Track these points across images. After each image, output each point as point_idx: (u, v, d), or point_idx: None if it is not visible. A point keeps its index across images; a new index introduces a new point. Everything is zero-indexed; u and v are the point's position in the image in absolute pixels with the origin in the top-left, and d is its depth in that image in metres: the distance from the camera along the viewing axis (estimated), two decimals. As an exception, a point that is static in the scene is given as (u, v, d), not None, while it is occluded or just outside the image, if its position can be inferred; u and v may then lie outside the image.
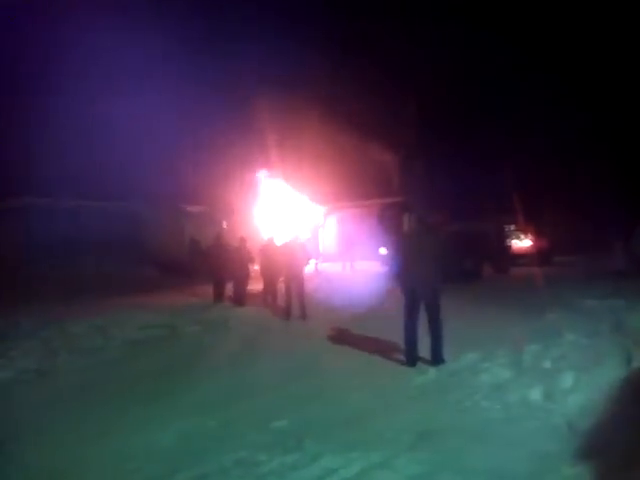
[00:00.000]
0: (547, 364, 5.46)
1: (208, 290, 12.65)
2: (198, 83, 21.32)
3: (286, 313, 10.05)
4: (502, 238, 18.67)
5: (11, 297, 11.86)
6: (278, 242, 11.73)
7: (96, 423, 4.66)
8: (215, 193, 19.85)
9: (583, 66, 22.88)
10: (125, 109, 17.74)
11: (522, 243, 19.17)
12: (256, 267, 12.84)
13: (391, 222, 19.67)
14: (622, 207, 18.56)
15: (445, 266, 6.28)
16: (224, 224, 20.30)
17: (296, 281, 10.10)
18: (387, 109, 23.14)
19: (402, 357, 6.17)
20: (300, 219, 23.29)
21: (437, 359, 5.90)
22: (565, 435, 3.86)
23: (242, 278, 12.03)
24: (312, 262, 18.43)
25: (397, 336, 6.37)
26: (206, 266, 13.24)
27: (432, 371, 5.70)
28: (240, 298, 11.87)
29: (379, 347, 6.88)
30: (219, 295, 12.21)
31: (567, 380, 4.89)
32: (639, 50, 21.54)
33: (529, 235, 19.10)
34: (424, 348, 6.05)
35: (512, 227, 19.28)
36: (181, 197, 20.02)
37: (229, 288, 12.30)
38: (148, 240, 18.81)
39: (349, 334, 8.00)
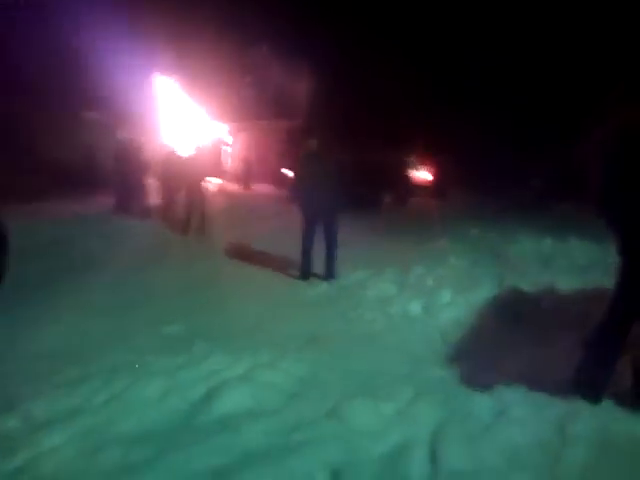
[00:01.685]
0: (429, 283, 5.88)
1: (104, 201, 12.02)
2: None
3: (185, 227, 9.86)
4: (402, 169, 19.29)
5: None
6: (179, 154, 11.26)
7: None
8: (112, 100, 18.42)
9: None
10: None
11: (421, 176, 19.98)
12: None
13: (295, 145, 19.57)
14: (523, 151, 19.82)
15: (345, 193, 6.41)
16: (120, 132, 19.04)
17: (197, 195, 9.86)
18: (298, 35, 22.33)
19: (297, 272, 6.34)
20: (203, 133, 22.45)
21: (329, 275, 6.15)
22: (438, 343, 4.23)
23: (141, 189, 11.56)
24: (215, 178, 18.05)
25: (294, 253, 6.52)
26: (110, 174, 12.49)
27: (324, 285, 5.94)
28: (141, 209, 11.44)
29: (275, 262, 7.02)
30: (119, 205, 11.68)
31: (445, 297, 5.31)
32: None
33: (429, 168, 19.91)
34: (319, 266, 6.26)
35: (412, 160, 19.96)
36: (75, 102, 18.37)
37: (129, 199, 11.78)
38: (39, 146, 17.25)
39: (247, 250, 8.05)
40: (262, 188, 19.37)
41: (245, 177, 19.87)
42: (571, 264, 6.90)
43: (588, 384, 3.06)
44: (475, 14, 23.13)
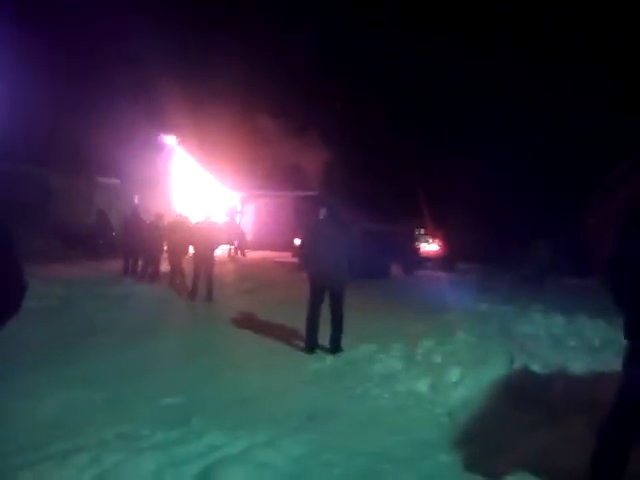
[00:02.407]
0: (437, 359, 5.73)
1: (114, 265, 12.11)
2: (110, 56, 20.12)
3: (192, 294, 9.84)
4: (411, 240, 19.37)
5: None
6: (190, 221, 11.43)
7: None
8: (128, 166, 18.98)
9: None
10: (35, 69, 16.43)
11: (429, 247, 20.02)
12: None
13: (306, 214, 19.85)
14: (526, 217, 19.94)
15: (354, 263, 6.41)
16: (136, 198, 19.45)
17: (206, 262, 9.91)
18: (311, 107, 23.29)
19: (302, 344, 6.23)
20: (215, 201, 22.92)
21: (335, 348, 6.03)
22: (445, 425, 4.07)
23: (155, 255, 11.68)
24: (225, 246, 18.21)
25: (299, 324, 6.44)
26: (119, 240, 12.67)
27: (329, 359, 5.80)
28: (152, 275, 11.51)
29: (281, 333, 6.91)
30: (127, 270, 11.77)
31: (453, 375, 5.15)
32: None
33: (436, 240, 19.98)
34: (324, 337, 6.15)
35: (421, 230, 20.08)
36: (92, 167, 18.94)
37: (139, 265, 11.88)
38: (54, 210, 17.62)
39: (253, 318, 7.97)
40: (274, 256, 19.49)
41: (239, 246, 20.03)
42: (582, 344, 6.74)
43: (601, 475, 2.90)
44: (485, 78, 23.96)
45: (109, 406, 4.11)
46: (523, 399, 4.47)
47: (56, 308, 8.01)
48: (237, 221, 24.20)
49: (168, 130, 22.66)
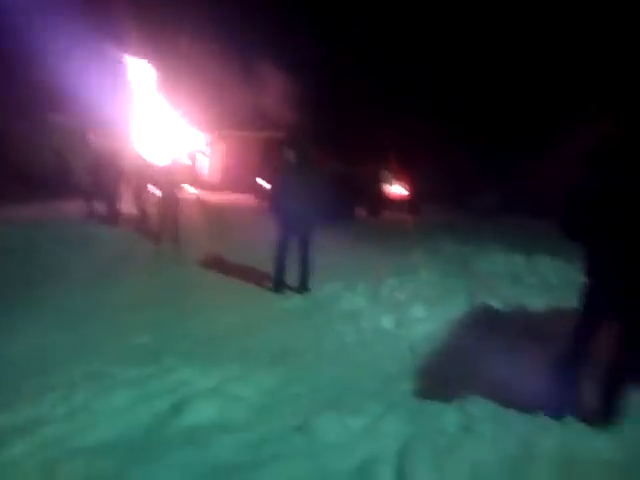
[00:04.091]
0: (401, 297, 5.92)
1: (75, 206, 11.83)
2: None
3: (157, 236, 9.73)
4: (377, 183, 19.42)
5: None
6: (154, 162, 11.14)
7: None
8: (82, 102, 18.11)
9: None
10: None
11: (395, 189, 20.17)
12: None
13: (273, 156, 19.59)
14: (487, 160, 20.24)
15: (320, 205, 6.42)
16: (93, 136, 18.73)
17: (171, 204, 9.76)
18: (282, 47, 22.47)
19: (271, 284, 6.31)
20: (179, 141, 22.28)
21: (303, 287, 6.14)
22: (408, 358, 4.26)
23: (115, 195, 11.44)
24: (190, 187, 17.91)
25: (267, 264, 6.49)
26: (82, 181, 12.29)
27: (297, 298, 5.92)
28: (113, 216, 11.29)
29: (248, 273, 6.97)
30: (91, 212, 11.53)
31: (417, 311, 5.35)
32: None
33: (402, 182, 20.11)
34: (292, 278, 6.24)
35: (387, 173, 20.13)
36: (45, 105, 18.01)
37: (103, 206, 11.63)
38: (8, 152, 16.85)
39: (220, 260, 7.98)
40: (240, 198, 19.31)
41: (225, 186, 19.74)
42: (541, 282, 7.03)
43: (555, 402, 3.12)
44: (453, 34, 23.60)
45: (78, 346, 4.12)
46: (483, 333, 4.69)
47: (20, 250, 7.84)
48: (203, 162, 23.75)
49: (129, 65, 21.62)
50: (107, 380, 3.38)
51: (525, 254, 8.61)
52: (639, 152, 2.94)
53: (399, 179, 20.27)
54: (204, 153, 25.49)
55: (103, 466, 2.52)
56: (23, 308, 5.04)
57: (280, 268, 6.20)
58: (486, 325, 5.01)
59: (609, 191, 2.90)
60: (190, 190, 18.31)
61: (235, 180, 23.29)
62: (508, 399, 3.21)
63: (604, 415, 3.07)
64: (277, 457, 2.60)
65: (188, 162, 20.54)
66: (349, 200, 16.04)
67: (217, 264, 7.67)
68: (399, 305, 5.58)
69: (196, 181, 19.31)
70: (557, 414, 3.04)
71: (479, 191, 19.49)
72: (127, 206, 12.06)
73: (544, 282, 6.98)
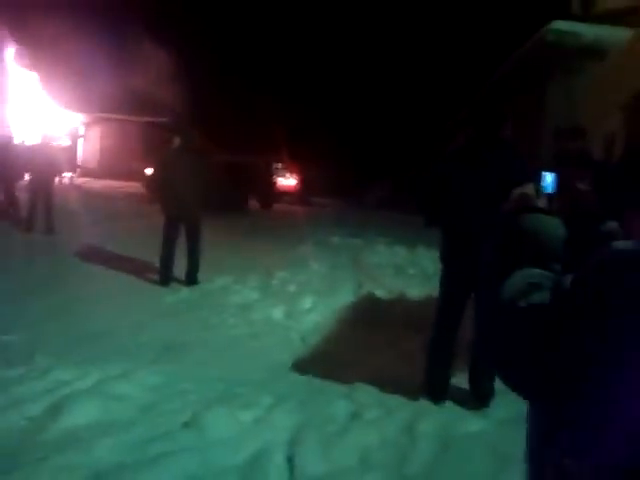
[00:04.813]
0: (291, 288, 5.98)
1: None
2: None
3: (28, 225, 8.94)
4: (268, 174, 19.40)
5: None
6: (23, 142, 10.21)
7: None
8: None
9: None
10: None
11: (286, 181, 20.28)
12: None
13: (156, 142, 18.78)
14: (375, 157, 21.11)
15: (210, 194, 6.28)
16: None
17: (43, 190, 9.01)
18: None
19: (156, 277, 6.06)
20: (53, 122, 20.58)
21: (191, 280, 5.97)
22: (298, 348, 4.31)
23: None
24: (66, 173, 16.67)
25: (152, 256, 6.23)
26: None
27: (184, 291, 5.75)
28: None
29: (132, 266, 6.63)
30: None
31: (307, 302, 5.44)
32: None
33: (293, 174, 20.28)
34: (179, 271, 6.05)
35: (279, 164, 20.18)
36: None
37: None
38: None
39: (101, 252, 7.50)
40: (120, 185, 18.30)
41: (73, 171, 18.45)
42: (420, 272, 7.44)
43: (431, 386, 3.33)
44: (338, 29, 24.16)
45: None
46: (370, 322, 4.88)
47: None
48: (80, 145, 22.18)
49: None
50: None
51: (407, 246, 9.08)
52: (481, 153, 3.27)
53: (290, 171, 20.41)
54: (80, 135, 23.82)
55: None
56: None
57: (167, 260, 5.97)
58: (372, 314, 5.21)
59: (448, 177, 3.27)
60: (67, 174, 17.06)
61: (114, 166, 22.06)
62: (393, 385, 3.36)
63: (476, 396, 3.32)
64: (164, 455, 2.50)
65: (66, 143, 19.07)
66: (240, 191, 15.86)
67: (98, 256, 7.20)
68: (289, 297, 5.63)
69: (74, 165, 17.98)
70: (435, 399, 3.24)
71: (367, 185, 20.23)
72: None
73: (424, 273, 7.39)
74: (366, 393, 3.27)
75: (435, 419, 3.00)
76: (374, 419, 2.97)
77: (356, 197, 20.03)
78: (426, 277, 7.00)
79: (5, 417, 2.78)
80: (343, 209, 18.57)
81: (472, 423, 3.05)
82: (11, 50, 20.18)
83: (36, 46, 19.71)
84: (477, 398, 3.31)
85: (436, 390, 3.30)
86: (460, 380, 3.42)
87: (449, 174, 3.27)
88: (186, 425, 2.81)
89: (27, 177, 9.56)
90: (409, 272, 7.52)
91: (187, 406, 3.01)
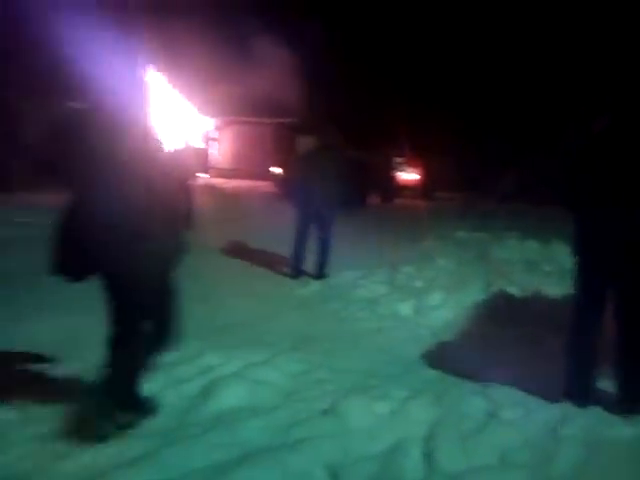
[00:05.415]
0: (418, 284, 5.93)
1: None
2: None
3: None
4: (389, 168, 19.30)
5: None
6: (165, 147, 11.15)
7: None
8: (98, 92, 18.08)
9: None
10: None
11: (408, 175, 20.04)
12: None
13: (285, 142, 19.51)
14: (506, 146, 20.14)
15: (339, 190, 6.43)
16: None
17: (184, 190, 9.80)
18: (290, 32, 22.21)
19: (288, 270, 6.36)
20: (189, 127, 22.24)
21: (321, 274, 6.17)
22: (428, 344, 4.29)
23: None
24: (202, 174, 17.94)
25: (283, 250, 6.54)
26: None
27: (315, 284, 5.96)
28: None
29: (265, 259, 7.02)
30: None
31: (434, 298, 5.37)
32: None
33: (415, 168, 19.97)
34: (310, 264, 6.28)
35: (400, 159, 19.99)
36: (62, 90, 18.00)
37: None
38: (24, 136, 16.90)
39: (236, 246, 8.01)
40: (253, 184, 19.32)
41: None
42: (557, 268, 7.00)
43: (573, 389, 3.15)
44: (467, 15, 23.34)
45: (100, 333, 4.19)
46: (503, 320, 4.72)
47: (36, 237, 7.91)
48: (213, 147, 23.73)
49: (139, 55, 21.49)
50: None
51: (540, 240, 8.57)
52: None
53: (411, 165, 20.12)
54: (214, 138, 25.45)
55: (137, 448, 2.58)
56: (49, 295, 5.11)
57: (298, 254, 6.24)
58: (504, 312, 5.03)
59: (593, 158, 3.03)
60: (202, 176, 18.36)
61: (246, 166, 23.29)
62: (530, 387, 3.23)
63: (625, 401, 3.09)
64: (306, 440, 2.65)
65: (201, 146, 20.51)
66: (361, 186, 15.98)
67: (233, 250, 7.71)
68: (416, 292, 5.60)
69: (208, 166, 19.31)
70: (578, 402, 3.06)
71: (493, 178, 19.35)
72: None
73: (561, 269, 6.94)
74: (502, 392, 3.18)
75: (579, 423, 2.84)
76: (513, 419, 2.88)
77: (482, 190, 19.24)
78: (564, 274, 6.56)
79: (165, 396, 3.11)
80: (468, 203, 17.97)
81: (620, 429, 2.85)
82: (146, 56, 22.05)
83: (168, 51, 21.36)
84: (626, 403, 3.07)
85: (579, 393, 3.12)
86: (607, 383, 3.20)
87: (594, 155, 3.07)
88: (325, 413, 2.94)
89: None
90: (544, 268, 7.10)
91: (325, 394, 3.14)
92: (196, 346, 3.82)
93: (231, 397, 3.05)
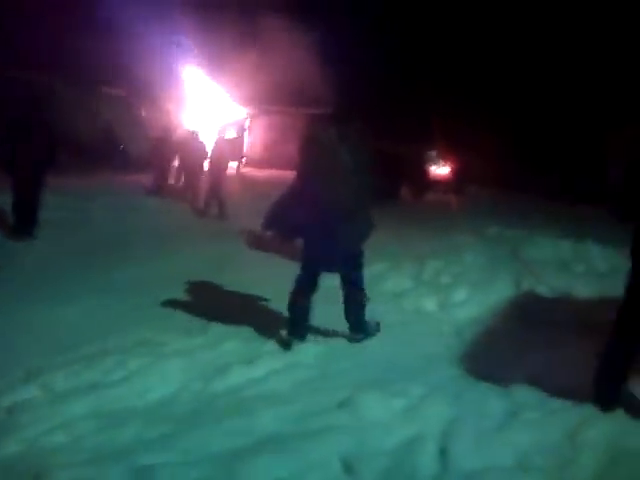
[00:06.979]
0: (445, 279, 5.86)
1: (127, 178, 12.27)
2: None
3: (202, 210, 9.93)
4: (421, 163, 19.10)
5: None
6: (201, 137, 11.32)
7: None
8: (136, 77, 18.38)
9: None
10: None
11: (440, 170, 19.80)
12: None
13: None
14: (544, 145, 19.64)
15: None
16: (143, 112, 19.06)
17: (218, 179, 9.92)
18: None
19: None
20: (225, 117, 22.42)
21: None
22: (452, 341, 4.24)
23: (165, 169, 11.82)
24: (235, 163, 18.11)
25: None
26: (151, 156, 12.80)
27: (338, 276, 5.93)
28: (159, 188, 11.63)
29: (293, 249, 7.00)
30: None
31: (461, 294, 5.30)
32: None
33: (447, 162, 19.71)
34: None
35: (432, 153, 19.76)
36: (97, 75, 18.34)
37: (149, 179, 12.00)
38: (60, 120, 17.33)
39: (267, 236, 8.04)
40: (284, 175, 19.38)
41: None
42: (589, 270, 6.82)
43: (601, 392, 3.07)
44: (498, 12, 22.81)
45: (130, 315, 4.30)
46: (529, 320, 4.62)
47: (72, 221, 8.16)
48: (244, 138, 23.86)
49: (176, 45, 21.78)
50: (160, 348, 3.53)
51: (574, 241, 8.36)
52: None
53: (444, 159, 19.86)
54: (246, 128, 25.59)
55: (157, 430, 2.64)
56: (78, 278, 5.28)
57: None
58: (532, 312, 4.93)
59: None
60: (234, 165, 18.51)
61: (277, 156, 23.34)
62: (554, 388, 3.17)
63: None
64: (322, 430, 2.66)
65: (234, 135, 20.67)
66: (394, 180, 15.85)
67: (263, 240, 7.72)
68: (443, 287, 5.53)
69: (240, 156, 19.45)
70: (604, 406, 2.98)
71: (527, 174, 18.92)
72: (173, 179, 12.35)
73: (594, 271, 6.77)
74: (524, 392, 3.12)
75: (603, 428, 2.77)
76: (533, 420, 2.83)
77: (517, 187, 18.83)
78: (597, 276, 6.41)
79: (186, 380, 3.18)
80: (501, 199, 17.65)
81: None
82: (184, 46, 22.32)
83: (203, 42, 21.51)
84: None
85: (606, 397, 3.03)
86: (636, 388, 3.11)
87: None
88: (342, 405, 2.95)
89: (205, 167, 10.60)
90: (576, 269, 6.90)
91: (342, 386, 3.15)
92: (219, 332, 3.89)
93: (250, 384, 3.09)
